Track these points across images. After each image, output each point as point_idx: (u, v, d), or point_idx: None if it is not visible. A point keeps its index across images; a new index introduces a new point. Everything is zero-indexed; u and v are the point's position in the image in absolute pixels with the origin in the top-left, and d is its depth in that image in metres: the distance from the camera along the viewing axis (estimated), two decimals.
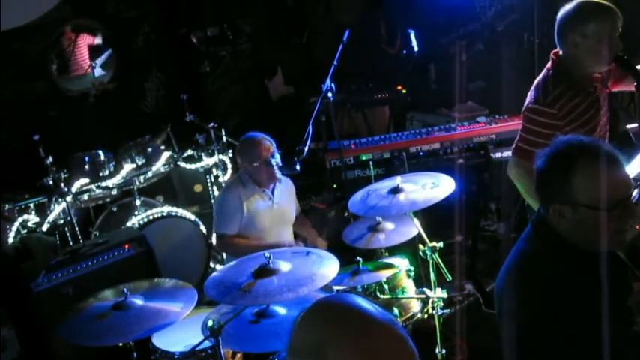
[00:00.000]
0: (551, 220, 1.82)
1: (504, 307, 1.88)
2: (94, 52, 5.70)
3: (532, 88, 3.00)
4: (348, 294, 1.44)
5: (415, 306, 3.18)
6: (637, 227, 2.45)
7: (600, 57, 2.81)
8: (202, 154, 5.07)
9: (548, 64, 2.98)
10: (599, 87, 3.00)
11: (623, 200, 1.72)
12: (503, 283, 1.91)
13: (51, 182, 4.35)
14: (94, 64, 5.68)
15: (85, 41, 5.73)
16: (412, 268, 3.34)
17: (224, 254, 4.21)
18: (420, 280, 3.47)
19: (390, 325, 1.30)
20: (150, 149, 4.95)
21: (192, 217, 4.78)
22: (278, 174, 3.68)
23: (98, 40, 5.71)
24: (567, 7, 2.84)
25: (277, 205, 3.76)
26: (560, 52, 2.91)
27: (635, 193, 2.64)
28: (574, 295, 1.76)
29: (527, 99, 2.97)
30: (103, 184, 4.69)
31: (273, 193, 3.74)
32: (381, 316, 1.31)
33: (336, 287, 3.23)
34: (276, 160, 3.64)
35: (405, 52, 4.99)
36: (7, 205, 4.29)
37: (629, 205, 1.74)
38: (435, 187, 3.33)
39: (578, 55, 2.84)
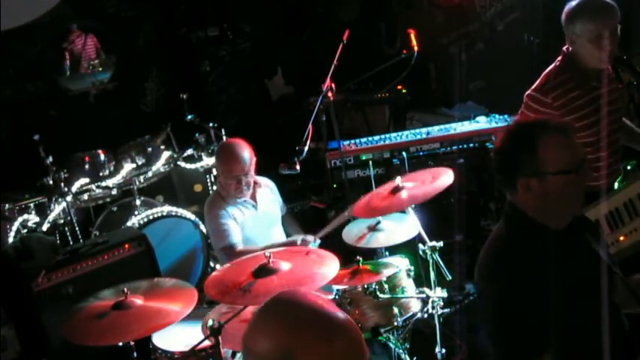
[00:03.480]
0: (518, 200, 2.00)
1: (478, 289, 2.09)
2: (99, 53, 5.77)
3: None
4: (299, 292, 1.46)
5: (415, 306, 3.17)
6: None
7: (594, 53, 2.90)
8: (202, 154, 5.07)
9: (559, 57, 3.07)
10: (608, 84, 3.03)
11: (581, 163, 1.95)
12: (477, 267, 2.08)
13: (51, 182, 4.35)
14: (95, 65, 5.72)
15: (94, 40, 5.76)
16: (412, 268, 3.33)
17: None
18: (420, 280, 3.47)
19: (349, 324, 1.34)
20: (150, 149, 4.95)
21: (193, 217, 4.77)
22: (245, 192, 3.60)
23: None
24: (567, 6, 2.95)
25: (262, 211, 3.71)
26: (570, 49, 3.02)
27: None
28: (537, 272, 1.90)
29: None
30: (103, 184, 4.70)
31: (255, 199, 3.69)
32: (340, 315, 1.34)
33: (335, 287, 3.23)
34: (248, 179, 3.55)
35: (404, 52, 4.98)
36: (7, 205, 4.30)
37: (585, 167, 1.98)
38: (435, 181, 3.32)
39: (577, 51, 2.96)
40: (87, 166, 4.68)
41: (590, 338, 1.93)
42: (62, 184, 4.30)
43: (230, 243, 3.54)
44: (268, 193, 3.82)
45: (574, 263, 1.95)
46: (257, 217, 3.69)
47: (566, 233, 2.01)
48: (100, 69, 5.75)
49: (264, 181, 3.82)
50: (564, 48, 3.05)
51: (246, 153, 3.56)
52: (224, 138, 4.97)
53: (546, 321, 1.84)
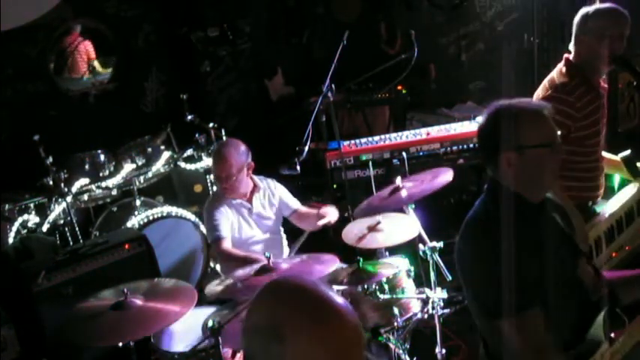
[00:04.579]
0: (500, 175, 2.16)
1: (456, 249, 2.26)
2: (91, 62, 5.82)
3: (544, 82, 3.10)
4: (299, 276, 1.46)
5: (415, 306, 3.17)
6: (627, 248, 2.69)
7: (600, 56, 2.93)
8: (202, 154, 5.07)
9: (561, 64, 3.10)
10: (600, 95, 3.08)
11: (556, 139, 2.13)
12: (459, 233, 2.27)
13: (51, 182, 4.35)
14: (90, 69, 5.75)
15: (87, 48, 5.77)
16: (412, 268, 3.34)
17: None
18: (420, 280, 3.47)
19: (344, 310, 1.32)
20: (150, 149, 4.94)
21: (193, 217, 4.77)
22: (233, 193, 3.62)
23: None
24: (583, 8, 3.03)
25: (256, 215, 3.71)
26: (573, 53, 3.06)
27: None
28: (510, 236, 2.04)
29: (541, 92, 3.07)
30: (103, 184, 4.69)
31: (251, 202, 3.70)
32: (336, 300, 1.33)
33: (335, 287, 3.23)
34: (232, 183, 3.55)
35: (404, 52, 4.98)
36: (7, 205, 4.29)
37: (560, 144, 2.15)
38: (434, 180, 3.34)
39: (584, 53, 3.00)
40: (87, 167, 4.67)
41: (549, 304, 2.05)
42: (62, 184, 4.30)
43: (215, 236, 3.57)
44: (268, 197, 3.80)
45: (542, 233, 2.12)
46: (250, 220, 3.70)
47: (539, 207, 2.19)
48: (97, 75, 5.79)
49: (264, 182, 3.81)
50: (566, 55, 3.08)
51: (233, 156, 3.54)
52: (224, 138, 4.97)
53: (510, 285, 1.98)
